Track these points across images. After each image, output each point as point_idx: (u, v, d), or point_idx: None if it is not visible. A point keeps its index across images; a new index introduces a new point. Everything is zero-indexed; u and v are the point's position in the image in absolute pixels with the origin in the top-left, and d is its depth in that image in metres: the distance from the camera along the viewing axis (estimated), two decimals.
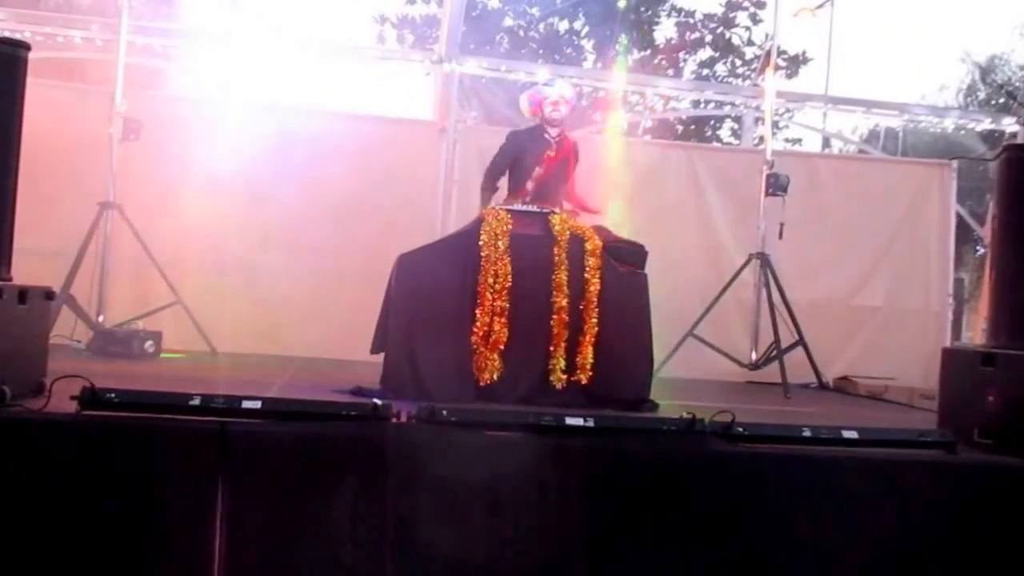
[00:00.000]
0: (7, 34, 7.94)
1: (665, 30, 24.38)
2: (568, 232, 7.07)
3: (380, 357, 7.12)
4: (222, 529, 4.57)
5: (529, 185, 7.88)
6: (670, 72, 22.33)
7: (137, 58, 10.33)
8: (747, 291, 10.37)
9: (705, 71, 24.13)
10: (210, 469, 4.61)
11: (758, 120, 12.65)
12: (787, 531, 5.12)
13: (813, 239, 11.08)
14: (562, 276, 6.93)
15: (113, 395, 4.78)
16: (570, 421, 5.18)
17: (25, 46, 5.07)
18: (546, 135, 8.00)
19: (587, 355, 6.93)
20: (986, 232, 11.47)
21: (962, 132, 13.30)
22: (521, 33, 23.57)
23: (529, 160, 7.94)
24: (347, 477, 4.75)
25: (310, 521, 4.69)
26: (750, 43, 23.99)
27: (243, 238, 9.81)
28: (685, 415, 5.28)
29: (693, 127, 22.24)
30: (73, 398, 4.74)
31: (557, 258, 6.96)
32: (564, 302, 6.92)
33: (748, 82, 21.45)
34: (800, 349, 9.66)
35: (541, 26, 23.66)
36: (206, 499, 4.59)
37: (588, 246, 7.05)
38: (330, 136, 9.98)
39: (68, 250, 8.89)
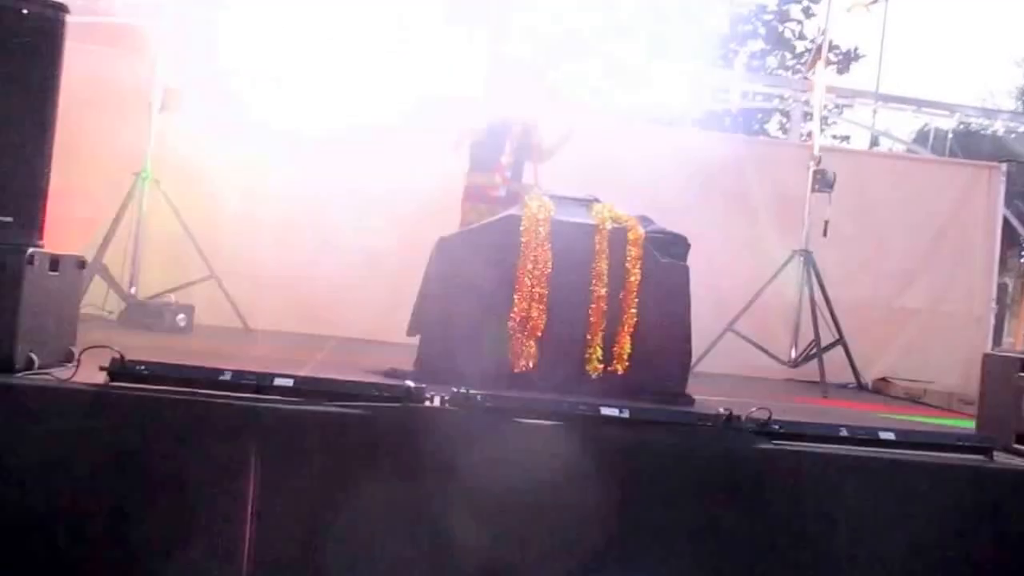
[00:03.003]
0: None
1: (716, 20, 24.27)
2: (610, 221, 6.98)
3: (416, 339, 7.06)
4: (252, 506, 4.55)
5: (504, 160, 8.40)
6: (720, 63, 22.18)
7: (180, 25, 10.25)
8: (789, 288, 10.22)
9: (755, 63, 23.98)
10: (241, 446, 4.58)
11: (807, 115, 12.53)
12: (821, 530, 5.08)
13: (857, 238, 10.97)
14: (602, 265, 6.85)
15: (143, 367, 4.74)
16: (605, 411, 5.15)
17: (64, 8, 5.01)
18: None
19: (624, 345, 6.85)
20: None
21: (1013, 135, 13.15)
22: None
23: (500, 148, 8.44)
24: (379, 459, 4.73)
25: (341, 501, 4.65)
26: (801, 37, 23.85)
27: (280, 214, 9.80)
28: (722, 410, 5.23)
29: (741, 118, 22.06)
30: (102, 369, 4.70)
31: (598, 246, 6.87)
32: (603, 291, 6.83)
33: (798, 76, 21.31)
34: (840, 348, 9.60)
35: None
36: (236, 476, 4.56)
37: (630, 236, 6.96)
38: (372, 113, 9.86)
39: (102, 219, 8.88)
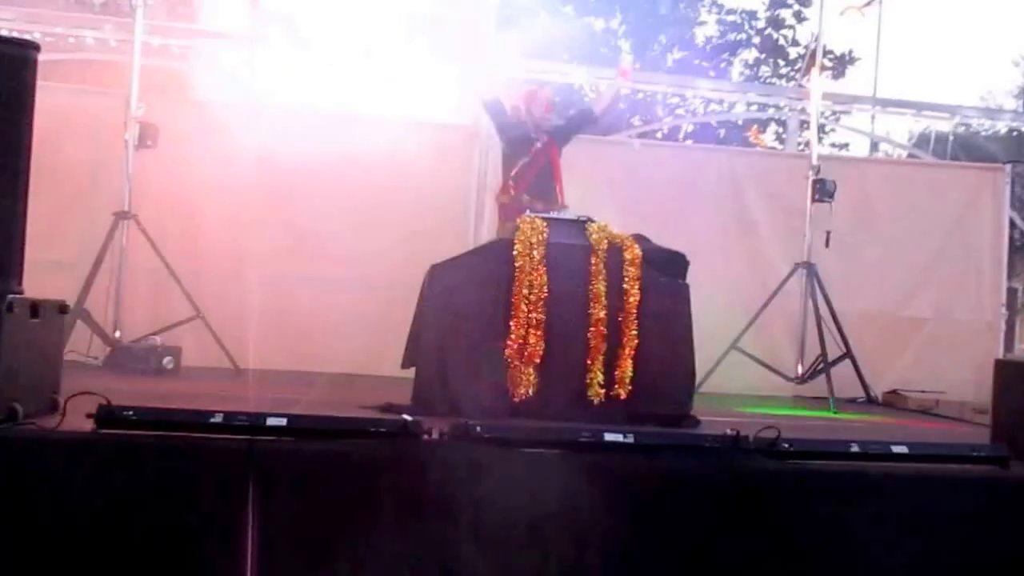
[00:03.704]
0: (16, 34, 7.83)
1: (707, 29, 24.25)
2: (606, 241, 6.92)
3: (411, 372, 7.00)
4: (251, 549, 4.43)
5: (520, 179, 8.31)
6: (712, 74, 22.13)
7: (153, 60, 10.18)
8: (793, 302, 10.19)
9: (748, 72, 23.93)
10: (236, 490, 4.46)
11: (803, 123, 12.44)
12: (835, 549, 4.99)
13: (861, 247, 10.88)
14: (600, 287, 6.77)
15: (131, 412, 4.66)
16: (609, 437, 5.08)
17: (35, 46, 4.94)
18: (532, 134, 8.39)
19: (626, 369, 6.78)
20: None
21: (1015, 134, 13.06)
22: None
23: (519, 156, 8.35)
24: (378, 496, 4.63)
25: (344, 541, 4.57)
26: (794, 43, 23.78)
27: (266, 249, 9.66)
28: (729, 431, 5.16)
29: (736, 130, 21.97)
30: (89, 416, 4.60)
31: (594, 268, 6.81)
32: (602, 314, 6.76)
33: (792, 83, 21.26)
34: (848, 362, 9.54)
35: (576, 25, 23.51)
36: (232, 521, 4.45)
37: (627, 255, 6.89)
38: (357, 141, 9.72)
39: (83, 262, 8.78)
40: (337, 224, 9.81)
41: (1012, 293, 15.70)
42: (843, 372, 9.51)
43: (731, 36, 24.14)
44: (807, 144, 11.47)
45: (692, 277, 7.23)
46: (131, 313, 9.22)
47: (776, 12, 23.88)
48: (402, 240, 9.69)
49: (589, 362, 6.75)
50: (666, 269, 7.10)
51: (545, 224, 6.90)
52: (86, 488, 4.44)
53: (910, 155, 15.38)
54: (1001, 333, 11.54)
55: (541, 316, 6.68)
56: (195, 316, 9.02)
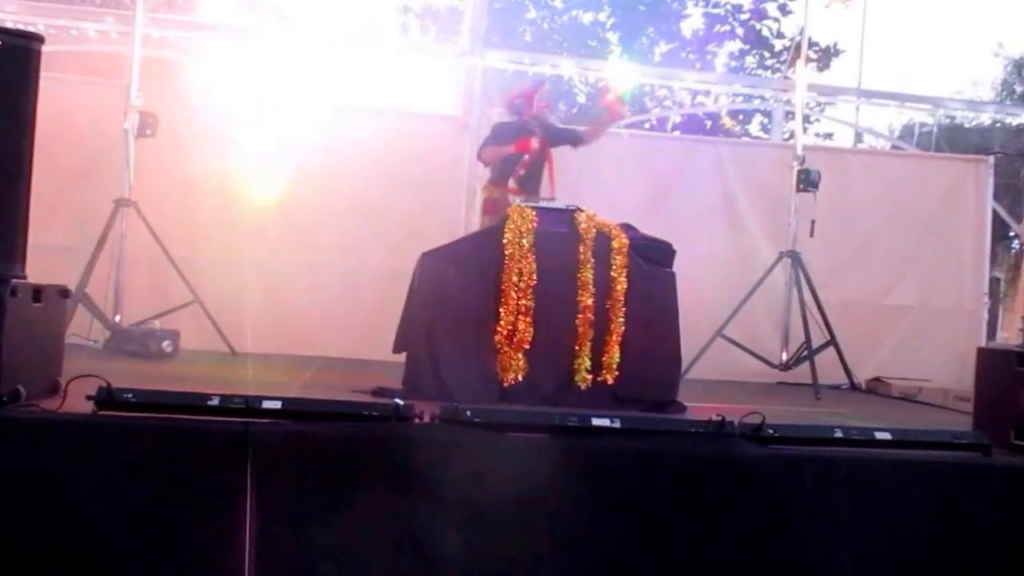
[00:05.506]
0: (20, 26, 7.87)
1: (692, 22, 24.17)
2: (594, 230, 6.96)
3: (402, 357, 7.05)
4: (249, 530, 4.50)
5: (520, 172, 8.26)
6: (698, 66, 22.07)
7: (153, 51, 10.22)
8: (777, 290, 10.26)
9: (734, 63, 23.86)
10: (232, 471, 4.54)
11: (788, 114, 12.48)
12: (818, 534, 5.04)
13: (845, 236, 10.91)
14: (587, 274, 6.84)
15: (130, 395, 4.74)
16: (596, 422, 5.12)
17: (39, 38, 4.98)
18: (528, 127, 8.31)
19: (613, 355, 6.84)
20: (1022, 230, 11.26)
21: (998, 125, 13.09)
22: (545, 25, 23.36)
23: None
24: (370, 478, 4.69)
25: (334, 523, 4.63)
26: (779, 35, 23.71)
27: (262, 236, 9.72)
28: (714, 417, 5.18)
29: (722, 121, 21.89)
30: (89, 398, 4.69)
31: (582, 256, 6.87)
32: (590, 301, 6.83)
33: (778, 75, 21.25)
34: (831, 349, 9.57)
35: (565, 18, 23.45)
36: (228, 501, 4.52)
37: (614, 244, 6.95)
38: (351, 131, 9.86)
39: (84, 247, 8.82)
40: (331, 212, 9.89)
41: (994, 282, 15.75)
42: (827, 359, 9.55)
43: (717, 28, 24.05)
44: (792, 134, 11.54)
45: (678, 265, 7.26)
46: (131, 298, 9.29)
47: (762, 5, 23.80)
48: (394, 228, 9.82)
49: (577, 348, 6.82)
50: (653, 257, 7.13)
51: (534, 213, 6.96)
52: (86, 468, 4.50)
53: (894, 146, 15.37)
54: (983, 322, 11.55)
55: (530, 303, 6.75)
56: (193, 301, 9.04)
